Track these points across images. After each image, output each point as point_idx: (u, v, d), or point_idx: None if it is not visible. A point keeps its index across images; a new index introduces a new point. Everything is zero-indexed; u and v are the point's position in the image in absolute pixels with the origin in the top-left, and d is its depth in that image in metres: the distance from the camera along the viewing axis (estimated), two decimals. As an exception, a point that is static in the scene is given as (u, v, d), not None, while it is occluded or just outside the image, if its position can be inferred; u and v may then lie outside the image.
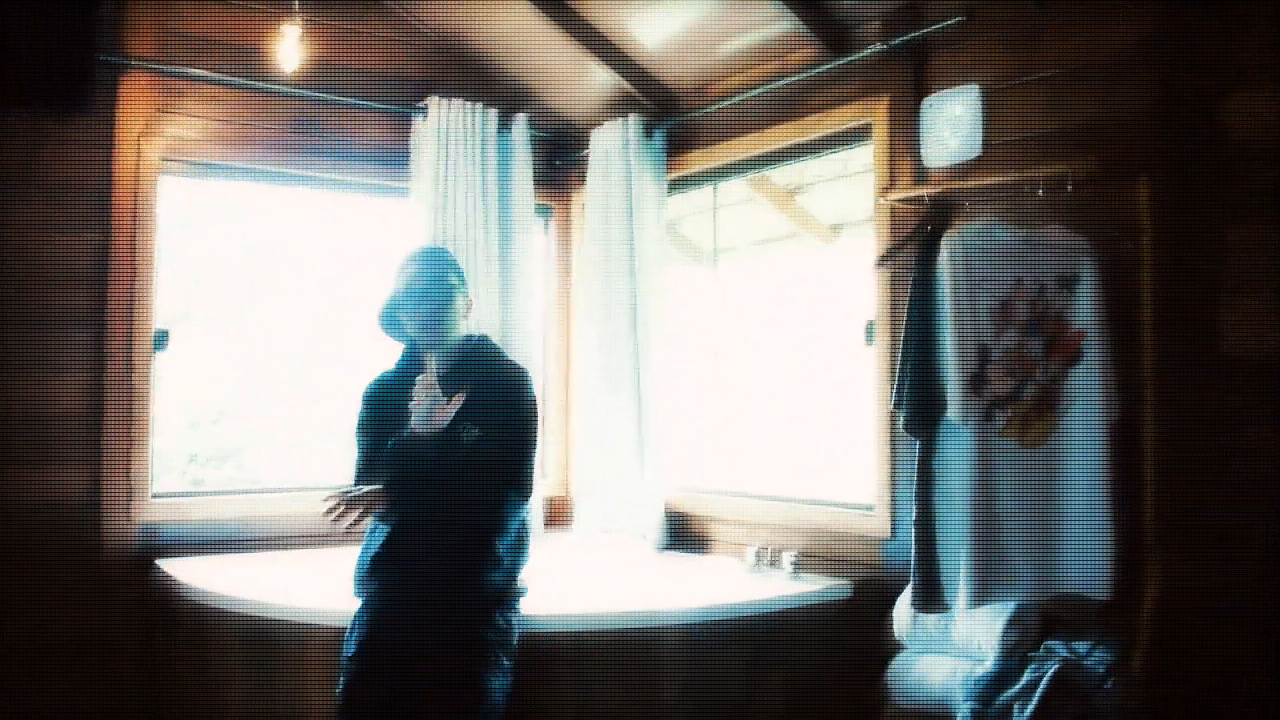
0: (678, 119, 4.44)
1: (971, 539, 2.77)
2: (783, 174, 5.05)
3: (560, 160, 5.05)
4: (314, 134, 4.45)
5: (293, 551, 4.15)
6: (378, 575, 2.95)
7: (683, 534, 4.38)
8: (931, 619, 3.05)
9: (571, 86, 4.71)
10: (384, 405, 3.02)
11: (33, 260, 3.82)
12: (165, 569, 3.74)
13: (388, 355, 3.18)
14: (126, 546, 3.93)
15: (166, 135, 4.10)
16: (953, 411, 2.78)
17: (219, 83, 4.21)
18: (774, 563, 3.81)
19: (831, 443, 5.17)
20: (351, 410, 3.11)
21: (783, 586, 3.57)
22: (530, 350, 4.66)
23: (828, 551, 3.74)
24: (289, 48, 3.85)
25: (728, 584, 3.71)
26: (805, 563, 3.75)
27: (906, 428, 2.91)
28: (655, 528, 4.32)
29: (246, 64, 4.22)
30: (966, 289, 2.80)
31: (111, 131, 3.97)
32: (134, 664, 3.87)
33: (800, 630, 3.43)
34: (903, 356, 2.94)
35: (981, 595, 2.77)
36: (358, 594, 2.98)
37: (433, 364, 2.87)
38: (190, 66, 4.11)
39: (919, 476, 2.87)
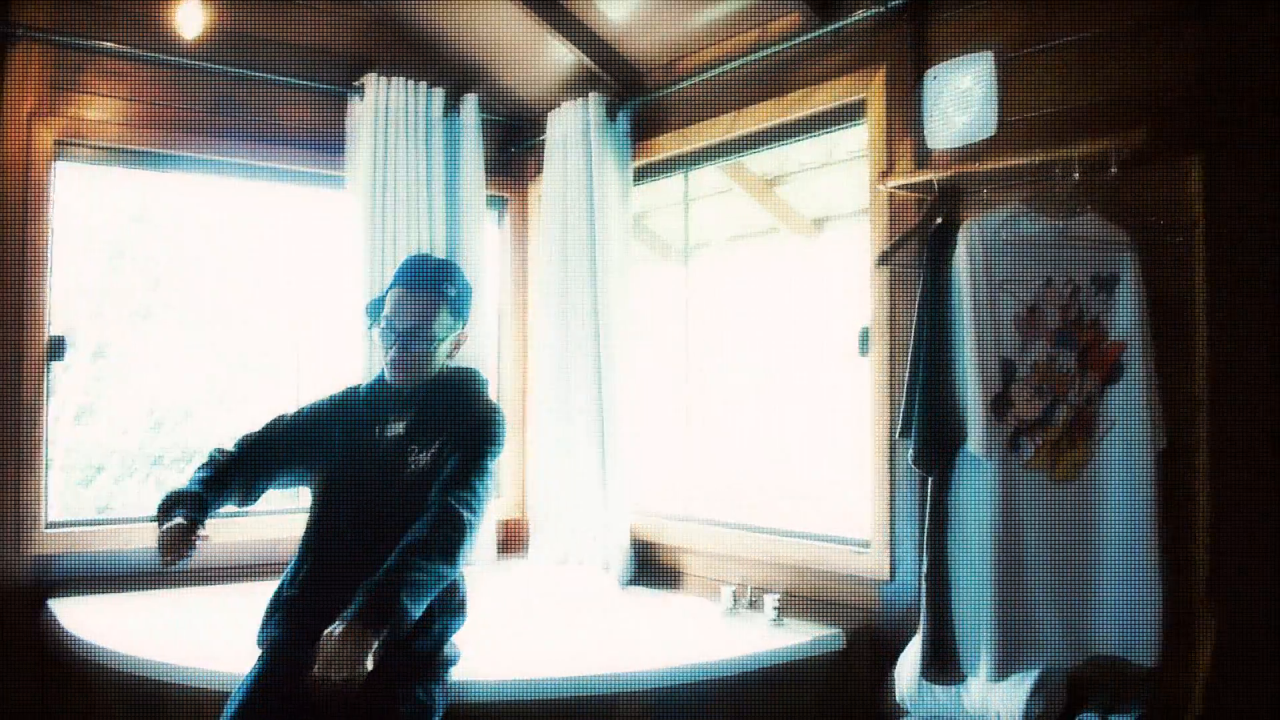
0: (644, 98, 4.04)
1: (994, 595, 2.33)
2: (761, 162, 4.73)
3: (515, 147, 4.64)
4: (235, 115, 4.01)
5: (214, 587, 3.73)
6: (280, 621, 2.54)
7: (650, 566, 3.97)
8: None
9: (527, 63, 4.30)
10: (328, 423, 2.71)
11: (-97, 257, 3.43)
12: (55, 611, 3.30)
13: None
14: (16, 583, 3.49)
15: (63, 115, 3.65)
16: (973, 441, 2.32)
17: (124, 56, 3.75)
18: (754, 604, 3.41)
19: (820, 465, 4.76)
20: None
21: (765, 636, 3.15)
22: (483, 359, 4.27)
23: (816, 593, 3.32)
24: (190, 9, 3.37)
25: (701, 631, 3.31)
26: (790, 605, 3.34)
27: (916, 461, 2.43)
28: (619, 559, 3.91)
29: (156, 36, 3.75)
30: (987, 292, 2.35)
31: (-3, 111, 3.52)
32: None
33: (785, 689, 3.01)
34: (910, 375, 2.48)
35: (1007, 664, 2.33)
36: (259, 642, 2.57)
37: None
38: (91, 38, 3.65)
39: (930, 519, 2.41)
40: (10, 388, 3.50)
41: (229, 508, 2.66)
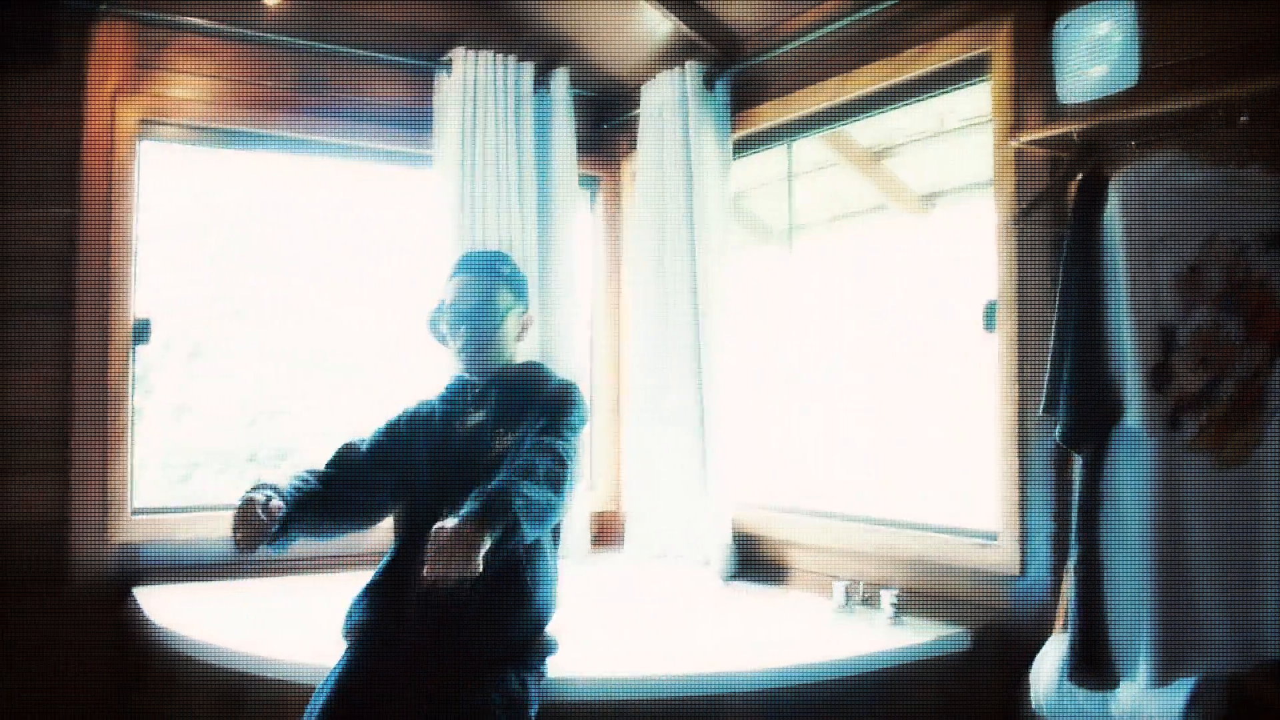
0: (744, 65, 3.80)
1: (1155, 591, 2.07)
2: (868, 133, 4.42)
3: (608, 123, 4.45)
4: (322, 92, 3.90)
5: (299, 577, 3.62)
6: (367, 609, 2.44)
7: (754, 561, 3.74)
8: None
9: (619, 34, 4.12)
10: (409, 428, 2.71)
11: (-12, 237, 3.32)
12: (140, 599, 3.22)
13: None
14: (101, 571, 3.43)
15: (146, 93, 3.58)
16: (1133, 415, 2.06)
17: (209, 32, 3.67)
18: (869, 601, 3.17)
19: (941, 453, 4.49)
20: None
21: (883, 635, 2.92)
22: (574, 346, 4.12)
23: (938, 590, 3.07)
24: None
25: (812, 630, 3.08)
26: (909, 602, 3.10)
27: (1064, 438, 2.18)
28: (720, 553, 3.69)
29: (242, 10, 3.66)
30: (1144, 248, 2.09)
31: (81, 88, 3.45)
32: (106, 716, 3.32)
33: (906, 692, 2.78)
34: (1056, 344, 2.22)
35: (1171, 668, 2.06)
36: (345, 633, 2.45)
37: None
38: (174, 13, 3.57)
39: (1082, 505, 2.15)
40: (95, 371, 3.44)
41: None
